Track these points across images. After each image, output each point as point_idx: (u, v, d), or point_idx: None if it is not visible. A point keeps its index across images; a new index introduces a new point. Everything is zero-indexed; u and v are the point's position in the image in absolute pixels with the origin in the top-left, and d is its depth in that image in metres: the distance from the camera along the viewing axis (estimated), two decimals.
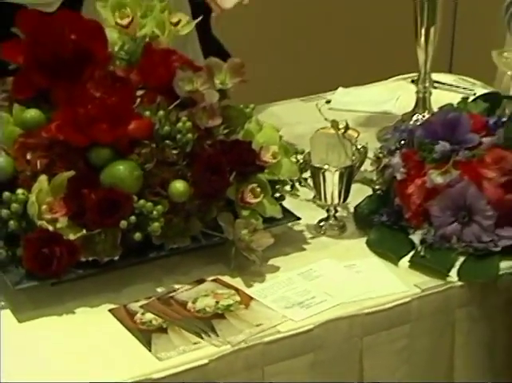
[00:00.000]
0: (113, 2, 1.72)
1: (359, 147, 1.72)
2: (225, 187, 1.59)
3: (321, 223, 1.73)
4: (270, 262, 1.62)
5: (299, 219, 1.70)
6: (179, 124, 1.58)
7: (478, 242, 1.63)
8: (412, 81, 2.20)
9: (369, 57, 2.84)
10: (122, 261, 1.54)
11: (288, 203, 1.71)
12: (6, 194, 1.50)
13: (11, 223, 1.50)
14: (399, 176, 1.69)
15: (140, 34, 1.72)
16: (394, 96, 2.28)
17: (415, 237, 1.67)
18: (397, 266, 1.63)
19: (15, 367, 1.37)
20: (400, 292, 1.56)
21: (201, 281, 1.56)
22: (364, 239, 1.70)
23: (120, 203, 1.50)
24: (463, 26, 2.88)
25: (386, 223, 1.71)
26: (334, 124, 1.70)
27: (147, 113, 1.59)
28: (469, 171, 1.64)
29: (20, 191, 1.51)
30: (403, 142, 1.74)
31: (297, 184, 1.71)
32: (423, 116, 2.02)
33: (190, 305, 1.50)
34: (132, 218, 1.51)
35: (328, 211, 1.73)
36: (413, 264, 1.63)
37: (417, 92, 2.09)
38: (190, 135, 1.57)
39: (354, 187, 1.74)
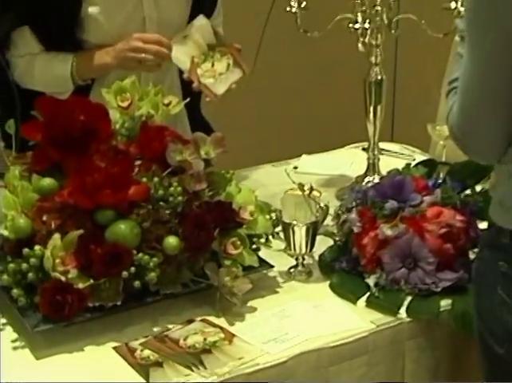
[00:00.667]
0: (115, 88, 1.72)
1: (322, 205, 1.72)
2: (210, 241, 1.58)
3: (291, 270, 1.72)
4: (249, 303, 1.61)
5: (272, 266, 1.69)
6: (171, 189, 1.57)
7: (422, 284, 1.62)
8: (363, 149, 2.21)
9: (328, 129, 2.85)
10: (124, 305, 1.52)
11: (263, 253, 1.70)
12: (26, 250, 1.49)
13: (30, 274, 1.48)
14: (355, 229, 1.69)
15: (138, 114, 1.71)
16: (349, 161, 2.28)
17: (370, 280, 1.66)
18: (356, 306, 1.62)
19: None
20: (359, 328, 1.55)
21: (191, 321, 1.55)
22: (328, 283, 1.68)
23: (121, 256, 1.50)
24: (402, 104, 2.91)
25: (345, 269, 1.70)
26: (300, 186, 1.70)
27: (144, 180, 1.58)
28: (413, 225, 1.64)
29: (37, 247, 1.50)
30: (358, 201, 1.73)
31: (270, 237, 1.70)
32: (374, 179, 2.02)
33: (182, 342, 1.49)
34: (132, 269, 1.50)
35: (297, 259, 1.72)
36: (369, 303, 1.62)
37: (368, 159, 2.09)
38: (180, 197, 1.57)
39: (318, 238, 1.73)
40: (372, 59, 1.99)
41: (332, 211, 1.77)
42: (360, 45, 1.90)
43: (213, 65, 1.99)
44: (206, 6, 2.11)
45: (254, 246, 1.67)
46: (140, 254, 1.52)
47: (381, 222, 1.65)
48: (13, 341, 1.51)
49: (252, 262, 1.64)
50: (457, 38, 1.51)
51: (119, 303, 1.51)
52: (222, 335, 1.51)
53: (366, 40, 1.91)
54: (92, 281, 1.49)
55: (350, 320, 1.58)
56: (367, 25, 1.87)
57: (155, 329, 1.53)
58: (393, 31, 1.98)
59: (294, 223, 1.68)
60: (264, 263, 1.68)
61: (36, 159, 1.62)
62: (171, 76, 2.14)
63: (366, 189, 1.74)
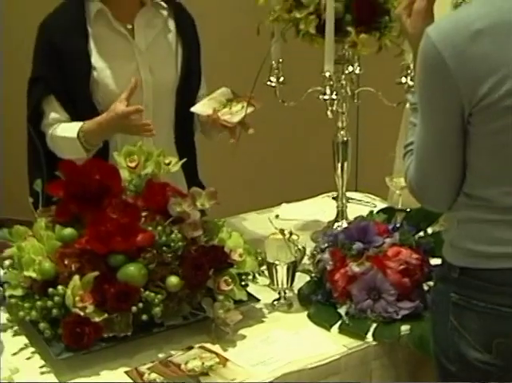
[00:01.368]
0: (125, 151, 1.72)
1: (299, 247, 1.71)
2: (206, 280, 1.57)
3: (275, 302, 1.70)
4: (240, 332, 1.59)
5: (259, 300, 1.68)
6: (173, 236, 1.56)
7: (385, 313, 1.61)
8: (333, 198, 2.20)
9: (303, 182, 2.85)
10: (133, 335, 1.50)
11: (251, 288, 1.68)
12: (50, 289, 1.48)
13: (54, 310, 1.47)
14: (328, 267, 1.68)
15: (144, 173, 1.71)
16: (321, 208, 2.28)
17: (342, 310, 1.65)
18: (330, 332, 1.61)
19: None
20: (332, 351, 1.54)
21: (190, 348, 1.53)
22: (306, 313, 1.67)
23: (131, 294, 1.48)
24: (364, 160, 2.92)
25: (321, 301, 1.68)
26: (281, 231, 1.69)
27: (150, 228, 1.57)
28: (377, 263, 1.63)
29: (60, 287, 1.49)
30: (330, 243, 1.72)
31: (257, 275, 1.68)
32: (342, 224, 2.01)
33: (183, 366, 1.46)
34: (140, 304, 1.49)
35: (279, 293, 1.70)
36: (341, 330, 1.60)
37: (337, 207, 2.08)
38: (180, 243, 1.56)
39: (297, 275, 1.72)
40: (339, 124, 2.01)
41: (308, 251, 1.76)
42: (329, 112, 1.90)
43: (230, 108, 1.98)
44: (192, 77, 2.10)
45: (243, 283, 1.65)
46: (147, 292, 1.50)
47: (350, 260, 1.65)
48: (41, 367, 1.49)
49: (242, 296, 1.62)
50: (407, 107, 1.52)
51: (129, 334, 1.49)
52: (218, 360, 1.48)
53: (334, 108, 1.90)
54: (106, 315, 1.47)
55: (325, 344, 1.56)
56: (334, 96, 1.87)
57: (160, 356, 1.51)
58: (355, 101, 2.00)
59: (277, 262, 1.67)
60: (252, 297, 1.66)
61: (59, 212, 1.62)
62: (168, 138, 2.13)
63: (336, 233, 1.74)
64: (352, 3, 1.84)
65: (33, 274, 1.51)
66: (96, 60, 1.98)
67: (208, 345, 1.53)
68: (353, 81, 1.97)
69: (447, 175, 1.35)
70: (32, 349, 1.53)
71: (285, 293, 1.70)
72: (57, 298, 1.47)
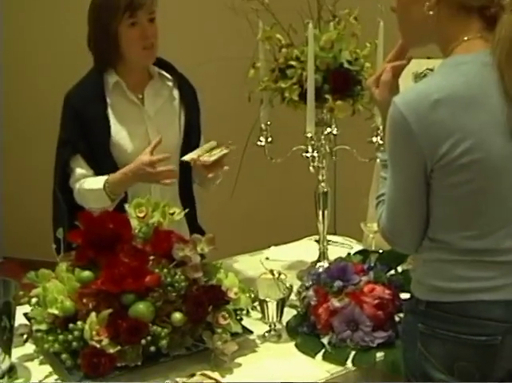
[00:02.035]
0: (134, 203, 1.73)
1: (287, 285, 1.70)
2: (206, 315, 1.57)
3: (266, 334, 1.70)
4: (236, 360, 1.59)
5: (252, 332, 1.68)
6: (177, 277, 1.57)
7: (363, 342, 1.61)
8: (316, 241, 2.19)
9: (289, 227, 2.86)
10: (143, 364, 1.51)
11: (245, 322, 1.68)
12: (71, 325, 1.50)
13: (74, 343, 1.48)
14: (312, 303, 1.68)
15: (151, 222, 1.71)
16: (306, 250, 2.27)
17: (325, 340, 1.64)
18: (314, 359, 1.61)
19: None
20: (317, 376, 1.54)
21: (193, 375, 1.51)
22: (293, 343, 1.67)
23: (141, 328, 1.49)
24: (341, 207, 2.93)
25: (306, 332, 1.68)
26: (271, 272, 1.70)
27: (157, 271, 1.57)
28: (355, 298, 1.64)
29: (79, 323, 1.50)
30: (314, 281, 1.72)
31: (250, 310, 1.69)
32: (324, 264, 2.01)
33: None
34: (149, 337, 1.49)
35: (270, 326, 1.70)
36: (324, 357, 1.61)
37: (319, 249, 2.09)
38: (183, 283, 1.56)
39: (286, 310, 1.72)
40: (320, 177, 2.02)
41: (295, 288, 1.76)
42: (311, 167, 1.92)
43: (210, 153, 2.00)
44: (193, 137, 2.15)
45: (238, 317, 1.65)
46: (155, 327, 1.51)
47: (331, 297, 1.65)
48: None
49: (237, 329, 1.62)
50: (378, 162, 1.54)
51: (139, 363, 1.50)
52: None
53: (315, 164, 1.93)
54: (119, 347, 1.48)
55: (311, 370, 1.57)
56: (315, 154, 1.90)
57: (167, 382, 1.50)
58: (333, 157, 2.02)
59: (267, 299, 1.67)
60: (246, 330, 1.66)
61: (78, 257, 1.62)
62: (173, 190, 2.16)
63: (319, 272, 1.74)
64: (329, 75, 1.88)
65: (56, 311, 1.52)
66: (112, 124, 2.02)
67: (208, 373, 1.52)
68: (331, 140, 2.00)
69: (414, 223, 1.36)
70: (55, 377, 1.53)
71: (275, 325, 1.70)
72: (76, 333, 1.48)
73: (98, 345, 1.46)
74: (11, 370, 1.50)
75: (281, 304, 1.68)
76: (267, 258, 1.91)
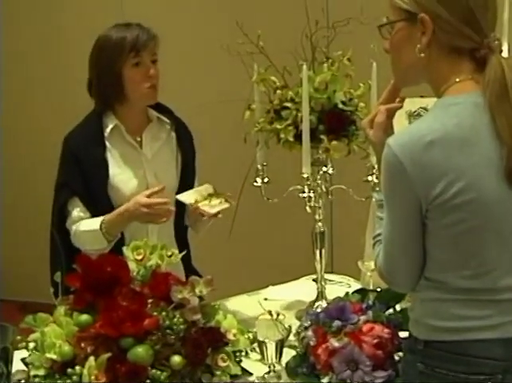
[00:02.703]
0: (132, 246, 1.74)
1: (286, 326, 1.69)
2: (205, 358, 1.56)
3: (265, 375, 1.69)
4: None
5: (251, 374, 1.67)
6: (175, 319, 1.56)
7: (363, 382, 1.60)
8: (313, 280, 2.19)
9: (287, 266, 2.85)
10: None
11: (244, 363, 1.67)
12: (69, 370, 1.49)
13: None
14: (311, 343, 1.67)
15: (149, 264, 1.72)
16: (304, 290, 2.26)
17: (325, 380, 1.63)
18: None
19: None
20: None
21: None
22: None
23: (139, 372, 1.48)
24: (338, 246, 2.94)
25: (306, 373, 1.67)
26: (269, 312, 1.68)
27: (155, 313, 1.57)
28: (354, 338, 1.63)
29: (77, 367, 1.49)
30: (312, 321, 1.72)
31: (249, 351, 1.69)
32: (322, 303, 2.01)
33: None
34: (148, 381, 1.48)
35: (269, 367, 1.69)
36: None
37: (317, 288, 2.09)
38: (182, 326, 1.56)
39: (285, 350, 1.70)
40: (316, 217, 2.03)
41: (293, 329, 1.75)
42: (307, 207, 1.93)
43: (209, 201, 2.02)
44: (189, 179, 2.18)
45: (238, 359, 1.65)
46: (153, 370, 1.50)
47: (330, 336, 1.64)
48: None
49: (236, 371, 1.62)
50: (374, 201, 1.55)
51: None
52: None
53: (311, 204, 1.94)
54: None
55: None
56: (311, 194, 1.91)
57: None
58: (330, 197, 2.03)
59: (266, 340, 1.66)
60: (245, 372, 1.66)
61: (76, 301, 1.62)
62: (169, 232, 2.17)
63: (318, 312, 1.73)
64: (324, 115, 1.91)
65: (54, 356, 1.52)
66: (110, 167, 2.04)
67: None
68: (327, 180, 2.02)
69: (410, 263, 1.37)
70: None
71: (274, 366, 1.68)
72: (75, 377, 1.47)
73: None
74: None
75: (280, 345, 1.67)
76: (265, 299, 1.91)
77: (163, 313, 1.57)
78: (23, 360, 1.61)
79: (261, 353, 1.69)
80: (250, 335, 1.68)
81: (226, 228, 2.12)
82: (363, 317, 1.68)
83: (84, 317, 1.58)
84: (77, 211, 2.04)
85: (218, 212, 2.01)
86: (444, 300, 1.34)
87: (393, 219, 1.36)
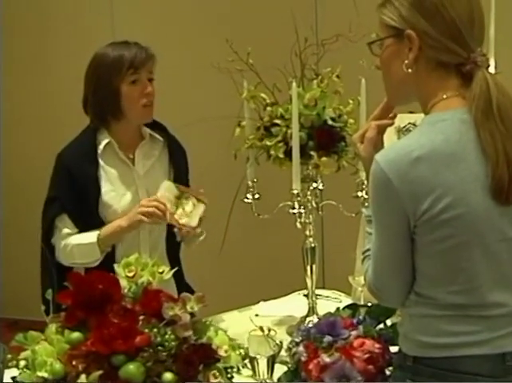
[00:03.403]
0: (123, 263, 1.72)
1: (277, 342, 1.70)
2: (197, 374, 1.55)
3: None
4: None
5: None
6: (167, 336, 1.55)
7: None
8: (304, 295, 2.20)
9: (278, 282, 2.86)
10: None
11: (236, 379, 1.65)
12: None
13: None
14: (303, 358, 1.68)
15: (140, 281, 1.70)
16: (294, 305, 2.28)
17: None
18: None
19: None
20: None
21: None
22: None
23: None
24: (329, 261, 2.94)
25: None
26: (261, 328, 1.69)
27: (147, 330, 1.56)
28: (345, 353, 1.63)
29: None
30: (303, 336, 1.72)
31: (241, 367, 1.67)
32: (313, 319, 2.02)
33: None
34: None
35: (261, 382, 1.69)
36: None
37: (308, 303, 2.09)
38: (174, 342, 1.54)
39: (276, 366, 1.71)
40: (307, 232, 2.05)
41: (285, 344, 1.75)
42: (297, 223, 1.95)
43: (183, 209, 2.02)
44: None
45: (229, 375, 1.63)
46: None
47: (321, 352, 1.65)
48: None
49: None
50: (363, 218, 1.56)
51: None
52: None
53: (302, 219, 1.95)
54: None
55: None
56: (302, 210, 1.92)
57: None
58: (320, 212, 2.05)
59: (258, 356, 1.67)
60: None
61: (67, 318, 1.61)
62: (161, 246, 2.17)
63: (309, 328, 1.74)
64: (313, 132, 1.93)
65: (45, 374, 1.50)
66: (103, 184, 2.05)
67: None
68: (317, 196, 2.04)
69: (399, 278, 1.38)
70: None
71: (266, 382, 1.69)
72: None
73: None
74: None
75: (272, 360, 1.68)
76: (257, 315, 1.91)
77: (155, 330, 1.56)
78: (14, 378, 1.60)
79: (253, 369, 1.69)
80: (242, 351, 1.68)
81: (217, 244, 2.13)
82: (354, 333, 1.68)
83: (76, 334, 1.57)
84: (65, 227, 2.06)
85: (201, 219, 2.02)
86: (433, 316, 1.35)
87: (381, 235, 1.37)
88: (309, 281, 2.07)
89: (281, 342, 1.73)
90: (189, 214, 2.03)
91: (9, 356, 1.56)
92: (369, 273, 1.41)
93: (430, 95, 1.38)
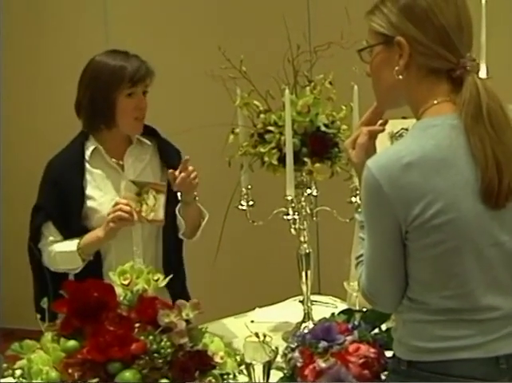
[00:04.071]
0: (119, 271, 1.74)
1: (273, 348, 1.69)
2: (193, 381, 1.56)
3: None
4: None
5: None
6: (162, 343, 1.56)
7: None
8: (300, 301, 2.21)
9: (273, 288, 2.86)
10: None
11: None
12: None
13: None
14: (298, 364, 1.68)
15: (136, 289, 1.72)
16: (290, 311, 2.27)
17: None
18: None
19: None
20: None
21: None
22: None
23: None
24: (325, 266, 2.95)
25: None
26: (256, 335, 1.69)
27: (142, 338, 1.56)
28: (340, 358, 1.64)
29: None
30: (299, 342, 1.73)
31: (237, 374, 1.68)
32: (309, 324, 2.02)
33: None
34: None
35: None
36: None
37: (304, 309, 2.10)
38: (169, 349, 1.55)
39: (272, 372, 1.71)
40: (302, 238, 2.05)
41: (280, 350, 1.75)
42: (292, 229, 1.95)
43: (147, 204, 2.04)
44: (175, 194, 2.17)
45: (225, 382, 1.65)
46: None
47: (317, 357, 1.65)
48: None
49: None
50: (357, 223, 1.57)
51: None
52: None
53: (296, 226, 1.96)
54: None
55: None
56: (296, 216, 1.93)
57: None
58: (314, 218, 2.05)
59: (254, 362, 1.66)
60: None
61: (63, 327, 1.62)
62: (154, 255, 2.18)
63: (304, 333, 1.75)
64: (307, 138, 1.94)
65: None
66: (90, 190, 2.09)
67: None
68: (311, 202, 2.04)
69: (392, 283, 1.39)
70: None
71: None
72: None
73: None
74: None
75: (268, 366, 1.67)
76: (252, 321, 1.91)
77: (151, 337, 1.56)
78: None
79: (249, 375, 1.69)
80: (238, 357, 1.69)
81: (212, 251, 2.14)
82: (349, 338, 1.69)
83: (71, 342, 1.57)
84: (51, 235, 2.10)
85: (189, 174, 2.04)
86: (426, 321, 1.35)
87: (374, 240, 1.38)
88: (304, 287, 2.08)
89: (276, 348, 1.73)
90: (153, 208, 2.05)
91: (5, 365, 1.56)
92: (362, 278, 1.42)
93: (420, 100, 1.39)
